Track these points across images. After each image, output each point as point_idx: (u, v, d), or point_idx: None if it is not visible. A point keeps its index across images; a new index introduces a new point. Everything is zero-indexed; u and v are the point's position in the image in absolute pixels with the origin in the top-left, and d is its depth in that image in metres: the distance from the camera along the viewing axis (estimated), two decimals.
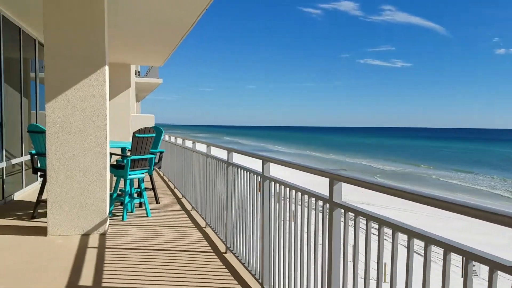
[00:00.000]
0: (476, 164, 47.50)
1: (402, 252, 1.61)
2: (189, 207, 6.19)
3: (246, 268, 3.56)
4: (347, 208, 2.03)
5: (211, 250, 4.16)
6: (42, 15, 4.42)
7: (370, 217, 1.86)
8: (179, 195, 7.19)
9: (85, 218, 4.58)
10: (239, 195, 3.77)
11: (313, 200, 2.44)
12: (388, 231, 1.79)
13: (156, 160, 6.32)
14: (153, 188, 6.40)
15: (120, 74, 11.87)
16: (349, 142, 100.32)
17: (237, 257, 3.81)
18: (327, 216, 2.20)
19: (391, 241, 1.75)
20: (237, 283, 3.33)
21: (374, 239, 1.88)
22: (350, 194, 20.24)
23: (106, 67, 4.63)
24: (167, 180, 9.15)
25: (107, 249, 4.09)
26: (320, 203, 2.32)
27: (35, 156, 5.39)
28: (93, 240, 4.40)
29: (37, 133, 5.22)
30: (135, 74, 19.04)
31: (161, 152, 6.45)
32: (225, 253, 4.09)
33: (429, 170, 42.19)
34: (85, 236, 4.52)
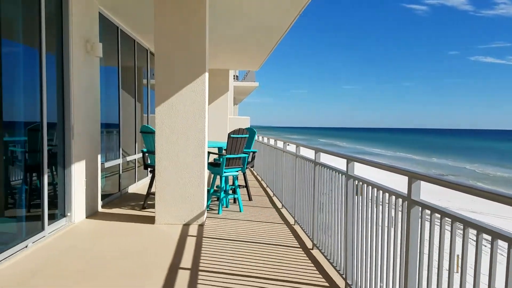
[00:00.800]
0: None
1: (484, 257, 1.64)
2: (279, 205, 6.46)
3: (331, 264, 3.68)
4: (424, 206, 2.08)
5: (298, 246, 4.36)
6: (154, 29, 5.03)
7: (445, 214, 1.89)
8: (271, 194, 7.51)
9: (186, 209, 5.10)
10: (325, 194, 3.91)
11: (392, 198, 2.51)
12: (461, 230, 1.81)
13: (249, 160, 6.70)
14: (246, 186, 6.79)
15: (220, 79, 12.66)
16: (453, 144, 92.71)
17: (323, 254, 3.95)
18: (405, 214, 2.26)
19: (466, 240, 1.77)
20: (321, 277, 3.48)
21: (447, 235, 1.91)
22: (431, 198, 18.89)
23: (206, 74, 5.10)
24: (260, 179, 9.55)
25: (204, 238, 4.52)
26: (399, 201, 2.38)
27: (146, 154, 6.11)
28: (193, 229, 4.88)
29: (148, 134, 5.91)
30: (234, 78, 20.04)
31: (254, 152, 6.82)
32: (312, 249, 4.25)
33: None
34: (186, 226, 5.03)
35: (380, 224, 2.67)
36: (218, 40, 8.14)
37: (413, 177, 2.18)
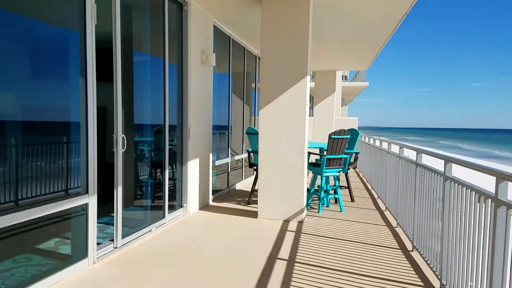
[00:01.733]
0: None
1: None
2: (383, 207, 6.38)
3: (428, 265, 3.63)
4: (510, 206, 2.04)
5: (398, 247, 4.34)
6: (260, 37, 5.43)
7: None
8: (375, 196, 7.42)
9: (286, 206, 5.39)
10: (423, 195, 3.85)
11: (480, 198, 2.50)
12: None
13: (352, 160, 6.74)
14: (348, 187, 6.84)
15: (326, 80, 12.76)
16: None
17: (421, 255, 3.90)
18: (492, 213, 2.25)
19: None
20: (417, 277, 3.47)
21: None
22: None
23: (308, 77, 5.33)
24: (365, 181, 9.44)
25: (302, 234, 4.76)
26: (489, 201, 2.35)
27: (251, 153, 6.58)
28: (292, 225, 5.16)
29: (253, 134, 6.37)
30: (342, 78, 19.89)
31: (356, 153, 6.84)
32: (411, 251, 4.21)
33: None
34: (286, 222, 5.33)
35: (469, 224, 2.64)
36: (324, 42, 8.31)
37: (501, 177, 2.15)
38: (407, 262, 3.86)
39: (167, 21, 4.93)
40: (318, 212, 5.95)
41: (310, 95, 17.49)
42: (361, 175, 10.48)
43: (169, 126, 5.14)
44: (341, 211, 6.04)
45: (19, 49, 2.95)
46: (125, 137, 4.06)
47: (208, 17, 6.16)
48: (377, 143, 7.60)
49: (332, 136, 5.90)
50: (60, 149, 3.39)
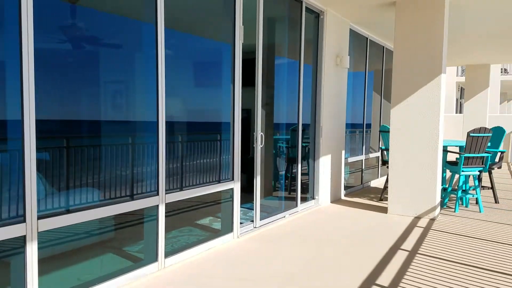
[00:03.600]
0: None
1: None
2: None
3: None
4: None
5: None
6: (394, 35, 5.59)
7: None
8: None
9: (417, 203, 5.44)
10: None
11: None
12: None
13: (497, 160, 6.31)
14: (492, 187, 6.40)
15: (478, 74, 11.75)
16: None
17: None
18: None
19: None
20: None
21: None
22: None
23: (442, 75, 5.28)
24: None
25: (431, 230, 4.81)
26: None
27: (384, 151, 6.71)
28: (422, 222, 5.20)
29: (385, 132, 6.50)
30: (501, 72, 17.81)
31: (502, 152, 6.36)
32: None
33: None
34: (417, 219, 5.38)
35: None
36: (468, 37, 7.84)
37: None
38: None
39: (303, 31, 5.50)
40: (455, 211, 5.79)
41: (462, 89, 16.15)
42: None
43: (304, 125, 5.71)
44: (480, 212, 5.75)
45: (186, 61, 3.88)
46: (263, 135, 4.77)
47: (344, 22, 6.54)
48: None
49: (471, 134, 5.68)
50: (215, 145, 4.29)
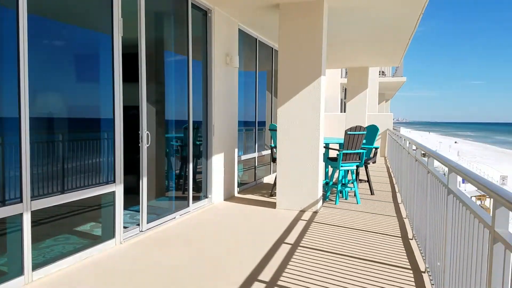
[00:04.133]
0: None
1: None
2: (399, 200, 6.56)
3: (421, 253, 3.88)
4: (509, 245, 1.56)
5: (399, 235, 4.59)
6: (278, 37, 5.80)
7: None
8: (397, 189, 7.57)
9: (301, 197, 5.75)
10: (425, 197, 3.80)
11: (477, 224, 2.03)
12: None
13: (372, 155, 6.95)
14: (368, 180, 7.06)
15: (358, 76, 12.84)
16: None
17: (417, 243, 4.14)
18: (489, 247, 1.78)
19: None
20: (407, 262, 3.73)
21: None
22: None
23: (322, 77, 5.63)
24: (393, 175, 9.54)
25: (313, 223, 5.11)
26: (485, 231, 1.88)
27: (273, 148, 6.97)
28: (306, 215, 5.51)
29: (274, 131, 6.75)
30: (379, 74, 19.71)
31: (376, 148, 7.04)
32: (411, 239, 4.44)
33: None
34: (301, 212, 5.69)
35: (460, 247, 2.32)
36: (348, 42, 8.51)
37: (498, 201, 1.65)
38: (403, 249, 4.11)
39: (190, 27, 5.42)
40: (335, 204, 6.24)
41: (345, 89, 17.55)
42: (391, 170, 10.56)
43: (198, 122, 5.65)
44: (357, 203, 6.29)
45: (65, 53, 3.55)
46: (149, 134, 4.60)
47: (233, 22, 6.61)
48: (407, 144, 7.71)
49: (348, 132, 6.17)
50: (96, 144, 3.99)
